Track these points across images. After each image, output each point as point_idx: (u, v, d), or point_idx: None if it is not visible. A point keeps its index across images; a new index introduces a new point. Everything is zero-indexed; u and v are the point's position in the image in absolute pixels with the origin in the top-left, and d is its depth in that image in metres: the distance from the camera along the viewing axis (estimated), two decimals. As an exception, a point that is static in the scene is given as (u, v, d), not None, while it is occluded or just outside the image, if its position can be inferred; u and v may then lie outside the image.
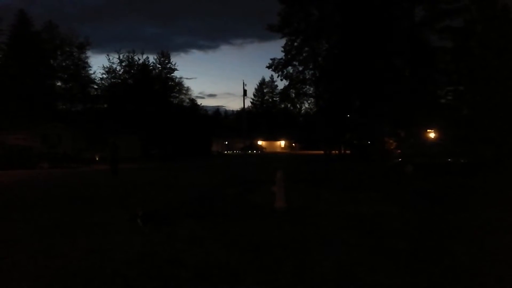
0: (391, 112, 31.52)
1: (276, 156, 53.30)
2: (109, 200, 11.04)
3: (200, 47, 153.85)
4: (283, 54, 44.02)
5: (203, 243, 6.12)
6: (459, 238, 6.37)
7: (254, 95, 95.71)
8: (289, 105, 54.62)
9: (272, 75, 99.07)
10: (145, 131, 43.38)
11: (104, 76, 53.57)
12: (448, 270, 4.79)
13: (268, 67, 45.10)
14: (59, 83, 52.31)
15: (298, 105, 52.84)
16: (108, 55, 57.83)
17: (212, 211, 9.05)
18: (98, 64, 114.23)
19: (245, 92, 50.95)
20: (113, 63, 53.19)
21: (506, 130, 22.50)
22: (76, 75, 51.41)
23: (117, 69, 53.51)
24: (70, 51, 51.52)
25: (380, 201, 10.33)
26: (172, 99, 56.19)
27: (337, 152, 42.47)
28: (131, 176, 19.95)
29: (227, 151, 71.93)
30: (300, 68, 44.52)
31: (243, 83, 57.71)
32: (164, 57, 56.59)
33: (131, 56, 53.35)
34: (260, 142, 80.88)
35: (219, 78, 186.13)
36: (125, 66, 53.43)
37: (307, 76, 44.85)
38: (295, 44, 43.30)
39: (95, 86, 53.96)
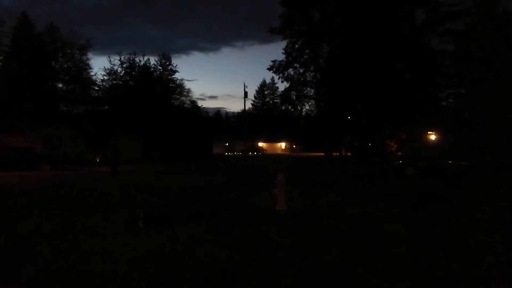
0: (392, 115, 31.54)
1: (277, 158, 53.28)
2: (110, 202, 11.05)
3: (201, 49, 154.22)
4: (284, 56, 44.11)
5: (204, 245, 6.13)
6: (460, 241, 6.37)
7: (255, 97, 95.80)
8: (290, 107, 54.68)
9: (273, 77, 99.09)
10: (146, 133, 43.37)
11: (106, 78, 53.61)
12: (449, 273, 4.79)
13: (269, 69, 45.16)
14: (60, 85, 52.39)
15: (299, 107, 52.90)
16: (109, 57, 57.79)
17: (213, 213, 9.05)
18: (100, 66, 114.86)
19: (246, 94, 50.91)
20: (114, 65, 53.22)
21: (507, 132, 22.49)
22: (77, 77, 51.46)
23: (119, 71, 53.58)
24: (71, 53, 51.60)
25: (381, 203, 10.33)
26: (173, 101, 56.19)
27: (338, 154, 42.47)
28: (132, 178, 19.96)
29: (228, 153, 71.90)
30: (301, 70, 44.55)
31: (244, 85, 57.94)
32: (165, 59, 56.63)
33: (132, 58, 53.38)
34: (261, 144, 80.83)
35: (220, 80, 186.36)
36: (126, 68, 53.46)
37: (308, 78, 44.88)
38: (296, 46, 43.35)
39: (97, 88, 54.00)
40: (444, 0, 30.83)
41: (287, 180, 9.53)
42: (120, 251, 5.83)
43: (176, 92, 57.43)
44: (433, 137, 34.40)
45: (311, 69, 44.12)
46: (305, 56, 43.76)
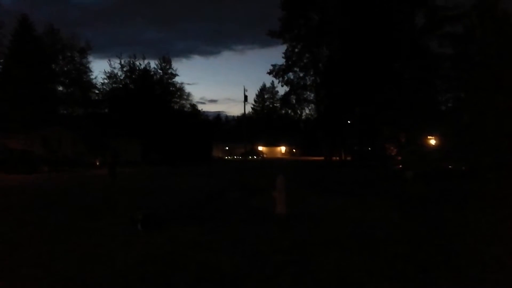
0: (392, 119, 31.55)
1: (276, 161, 53.27)
2: (108, 204, 11.02)
3: (202, 53, 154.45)
4: (284, 60, 44.24)
5: (203, 247, 6.10)
6: (458, 244, 6.34)
7: (255, 100, 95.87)
8: (289, 111, 54.74)
9: (273, 81, 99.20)
10: (146, 136, 43.39)
11: (105, 81, 53.65)
12: (448, 276, 4.76)
13: (269, 73, 45.31)
14: (60, 88, 52.40)
15: (298, 111, 52.98)
16: (109, 60, 58.08)
17: (213, 216, 9.03)
18: (100, 69, 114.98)
19: (246, 97, 51.14)
20: (114, 68, 53.31)
21: (506, 136, 22.48)
22: (77, 79, 51.51)
23: (118, 74, 53.66)
24: (71, 56, 51.66)
25: (380, 207, 10.31)
26: (173, 105, 56.26)
27: (337, 158, 42.48)
28: (131, 181, 19.94)
29: (228, 157, 71.88)
30: (301, 74, 44.69)
31: (244, 88, 57.98)
32: (165, 62, 56.70)
33: (133, 61, 53.48)
34: (260, 148, 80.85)
35: (220, 84, 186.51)
36: (126, 71, 53.54)
37: (308, 82, 45.02)
38: (296, 50, 43.49)
39: (96, 91, 54.06)
40: (443, 3, 30.96)
41: (287, 184, 9.51)
42: (119, 253, 5.81)
43: (176, 95, 57.49)
44: (432, 141, 34.41)
45: (311, 73, 44.26)
46: (304, 60, 43.92)
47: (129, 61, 53.21)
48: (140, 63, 53.84)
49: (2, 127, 34.73)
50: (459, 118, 27.40)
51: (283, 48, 44.05)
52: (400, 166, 20.27)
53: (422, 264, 5.23)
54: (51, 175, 23.92)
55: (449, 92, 29.80)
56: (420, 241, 6.52)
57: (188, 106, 58.68)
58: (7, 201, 12.02)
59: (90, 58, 55.96)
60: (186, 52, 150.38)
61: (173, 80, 56.99)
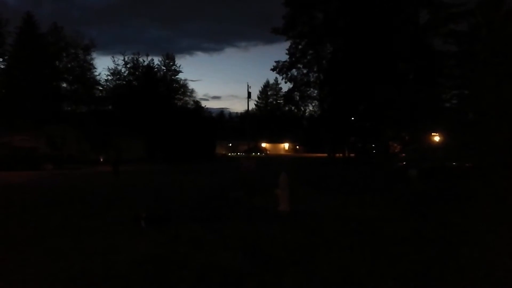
0: (395, 116, 31.46)
1: (280, 158, 53.26)
2: (112, 202, 11.08)
3: (205, 50, 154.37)
4: (288, 57, 44.16)
5: (207, 245, 6.14)
6: (462, 244, 6.35)
7: (258, 97, 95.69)
8: (293, 107, 54.71)
9: (276, 78, 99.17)
10: (149, 133, 43.48)
11: (109, 78, 53.83)
12: (451, 275, 4.78)
13: (273, 70, 45.25)
14: (64, 85, 52.58)
15: (302, 107, 52.96)
16: (113, 57, 58.12)
17: (216, 213, 9.06)
18: (103, 66, 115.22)
19: (249, 94, 50.83)
20: (118, 65, 53.45)
21: (510, 134, 22.37)
22: (81, 77, 51.65)
23: (122, 71, 53.78)
24: (75, 53, 51.78)
25: (383, 205, 10.31)
26: (176, 101, 56.34)
27: (341, 155, 42.43)
28: (134, 178, 20.01)
29: (231, 153, 71.94)
30: (305, 71, 44.62)
31: (248, 85, 57.58)
32: (169, 59, 56.80)
33: (136, 58, 53.57)
34: (264, 145, 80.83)
35: (224, 81, 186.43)
36: (130, 68, 53.65)
37: (311, 79, 44.94)
38: (300, 47, 43.39)
39: (100, 88, 54.20)
40: (448, 1, 30.76)
41: (290, 181, 9.53)
42: (122, 251, 5.85)
43: (180, 92, 57.61)
44: (436, 138, 34.28)
45: (315, 69, 44.18)
46: (308, 57, 43.81)
47: (133, 58, 53.34)
48: (143, 60, 53.95)
49: (7, 125, 34.90)
50: (463, 116, 27.28)
51: (286, 44, 44.08)
52: (404, 163, 20.20)
53: (425, 263, 5.24)
54: (55, 172, 24.05)
55: (453, 90, 29.63)
56: (424, 240, 6.53)
57: (192, 102, 58.80)
58: (10, 198, 12.11)
59: (94, 55, 56.02)
60: (189, 49, 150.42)
61: (177, 76, 57.12)
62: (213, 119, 72.57)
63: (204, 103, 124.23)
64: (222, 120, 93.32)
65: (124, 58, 53.16)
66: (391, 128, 34.66)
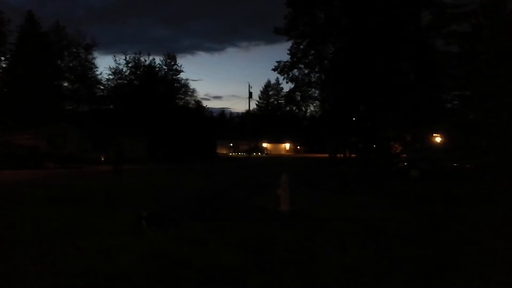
0: (397, 116, 31.42)
1: (281, 158, 53.27)
2: (113, 201, 11.06)
3: (207, 49, 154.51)
4: (289, 57, 44.09)
5: (208, 245, 6.12)
6: (465, 245, 6.33)
7: (259, 97, 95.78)
8: (294, 108, 54.65)
9: (277, 78, 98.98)
10: (151, 133, 43.55)
11: (111, 77, 53.95)
12: (455, 277, 4.76)
13: (274, 70, 45.17)
14: (65, 84, 52.70)
15: (303, 108, 52.99)
16: (114, 57, 58.27)
17: (217, 213, 9.05)
18: (105, 65, 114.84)
19: (250, 94, 51.12)
20: (119, 64, 53.56)
21: (512, 135, 22.34)
22: (82, 76, 51.77)
23: (124, 71, 53.87)
24: (77, 52, 51.91)
25: (385, 205, 10.29)
26: (177, 101, 56.43)
27: (342, 155, 42.39)
28: (136, 177, 20.02)
29: (232, 153, 71.98)
30: (306, 71, 44.54)
31: (249, 85, 57.90)
32: (170, 58, 56.92)
33: (138, 57, 53.70)
34: (265, 145, 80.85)
35: (225, 80, 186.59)
36: (131, 67, 53.75)
37: (313, 79, 44.87)
38: (301, 47, 43.33)
39: (102, 87, 54.31)
40: (450, 1, 30.69)
41: (291, 181, 9.52)
42: (124, 250, 5.84)
43: (181, 92, 57.71)
44: (438, 139, 34.22)
45: (316, 70, 44.11)
46: (310, 57, 43.75)
47: (134, 58, 53.44)
48: (145, 60, 54.05)
49: (8, 123, 34.97)
50: (465, 117, 27.23)
51: (288, 45, 43.95)
52: (405, 164, 20.19)
53: (427, 264, 5.23)
54: (56, 171, 24.07)
55: (455, 91, 29.57)
56: (426, 241, 6.51)
57: (193, 102, 58.94)
58: (12, 197, 12.12)
59: (96, 55, 56.35)
60: (191, 49, 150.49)
61: (178, 76, 57.28)
62: (214, 119, 72.69)
63: (205, 103, 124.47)
64: (223, 120, 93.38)
65: (126, 58, 53.36)
66: (392, 129, 34.61)
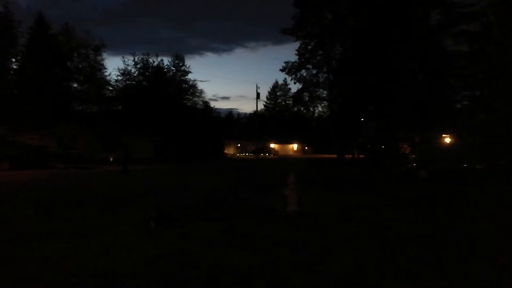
0: (405, 117, 31.20)
1: (288, 159, 53.18)
2: (122, 201, 11.14)
3: (215, 50, 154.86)
4: (297, 57, 44.02)
5: (216, 245, 6.14)
6: (473, 247, 6.27)
7: (267, 98, 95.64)
8: (302, 108, 54.62)
9: (285, 78, 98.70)
10: (159, 133, 43.75)
11: (119, 78, 54.24)
12: (462, 278, 4.72)
13: (282, 70, 45.15)
14: (75, 85, 53.09)
15: (311, 108, 52.90)
16: (123, 57, 58.62)
17: (225, 213, 9.06)
18: (114, 66, 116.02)
19: (258, 95, 50.93)
20: (128, 65, 53.85)
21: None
22: (91, 77, 52.09)
23: (132, 71, 54.15)
24: (86, 53, 52.25)
25: (393, 206, 10.23)
26: (185, 102, 56.58)
27: (350, 156, 42.20)
28: (143, 177, 20.13)
29: (240, 154, 72.01)
30: (314, 71, 44.45)
31: (257, 86, 57.83)
32: (179, 59, 57.06)
33: (146, 58, 53.93)
34: (272, 145, 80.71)
35: (233, 81, 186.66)
36: (140, 68, 54.01)
37: (321, 80, 44.76)
38: (309, 47, 43.25)
39: (110, 88, 54.62)
40: (459, 0, 30.42)
41: (299, 182, 9.50)
42: (132, 250, 5.87)
43: (189, 92, 57.84)
44: (447, 139, 33.91)
45: (324, 70, 43.98)
46: (317, 57, 43.65)
47: (143, 58, 53.69)
48: (153, 60, 54.27)
49: (18, 124, 35.35)
50: (474, 117, 26.96)
51: (296, 45, 43.91)
52: (414, 165, 20.04)
53: (436, 265, 5.19)
54: (65, 171, 24.29)
55: (464, 91, 29.29)
56: (435, 243, 6.46)
57: (201, 103, 59.03)
58: (24, 196, 12.25)
59: (104, 56, 56.44)
60: (199, 49, 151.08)
61: (186, 77, 57.37)
62: (221, 119, 72.77)
63: (213, 104, 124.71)
64: (231, 121, 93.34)
65: (134, 59, 53.61)
66: (401, 129, 34.37)
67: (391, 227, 7.57)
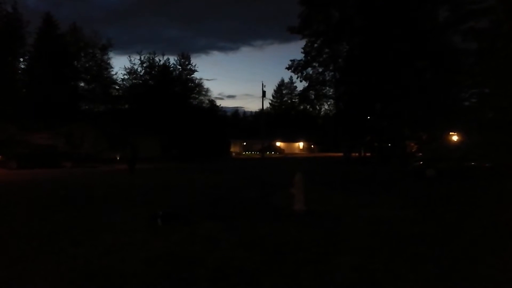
0: (413, 115, 31.00)
1: (294, 157, 53.08)
2: (128, 199, 11.18)
3: (221, 49, 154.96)
4: (303, 55, 43.86)
5: (222, 244, 6.13)
6: (479, 244, 6.20)
7: (273, 96, 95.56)
8: (308, 106, 54.33)
9: (291, 77, 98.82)
10: (165, 132, 43.91)
11: (126, 77, 54.51)
12: (468, 279, 4.66)
13: (288, 68, 44.98)
14: (82, 84, 53.43)
15: (317, 106, 52.60)
16: (129, 57, 59.04)
17: (231, 212, 9.06)
18: (120, 65, 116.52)
19: (264, 93, 50.82)
20: (134, 64, 54.11)
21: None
22: (98, 76, 52.39)
23: (138, 71, 54.38)
24: (93, 53, 52.55)
25: (400, 205, 10.15)
26: (191, 100, 56.73)
27: (357, 154, 42.02)
28: (150, 176, 20.19)
29: (246, 152, 72.01)
30: (320, 70, 44.26)
31: (262, 84, 57.77)
32: (185, 58, 57.20)
33: (152, 57, 54.12)
34: (278, 144, 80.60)
35: (239, 79, 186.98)
36: (146, 67, 54.22)
37: (327, 78, 44.57)
38: (315, 45, 43.06)
39: (117, 87, 54.90)
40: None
41: (305, 180, 9.46)
42: (139, 248, 5.88)
43: (195, 91, 57.96)
44: (454, 138, 33.65)
45: (330, 68, 43.79)
46: (324, 56, 43.45)
47: (149, 58, 53.89)
48: (159, 59, 54.45)
49: (27, 124, 35.64)
50: (483, 115, 26.73)
51: (302, 43, 43.97)
52: (421, 163, 19.90)
53: (444, 264, 5.13)
54: (74, 170, 24.46)
55: (473, 88, 29.01)
56: (441, 243, 6.39)
57: (207, 101, 59.12)
58: (28, 195, 12.35)
59: (111, 55, 56.84)
60: (205, 48, 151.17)
61: (192, 76, 57.49)
62: (227, 118, 72.85)
63: (219, 102, 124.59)
64: (237, 119, 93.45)
65: (141, 58, 53.86)
66: (408, 127, 34.16)
67: (398, 226, 7.51)
